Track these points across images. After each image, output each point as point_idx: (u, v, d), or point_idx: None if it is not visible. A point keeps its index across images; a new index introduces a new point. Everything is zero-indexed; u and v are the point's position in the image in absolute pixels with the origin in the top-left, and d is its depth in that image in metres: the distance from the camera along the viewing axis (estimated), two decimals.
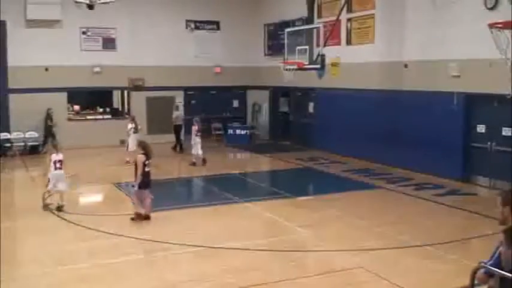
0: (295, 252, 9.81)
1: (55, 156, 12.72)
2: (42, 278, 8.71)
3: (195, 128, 18.92)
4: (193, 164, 18.55)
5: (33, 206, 12.82)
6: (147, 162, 11.73)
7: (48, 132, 21.54)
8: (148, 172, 11.79)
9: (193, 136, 18.87)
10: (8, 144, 21.04)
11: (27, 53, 21.56)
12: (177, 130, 22.23)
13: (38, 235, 11.09)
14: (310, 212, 12.58)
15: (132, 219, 11.71)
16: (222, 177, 17.06)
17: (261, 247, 9.95)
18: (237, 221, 11.98)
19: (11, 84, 21.79)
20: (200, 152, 18.50)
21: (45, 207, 12.64)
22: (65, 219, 11.91)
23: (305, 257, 9.83)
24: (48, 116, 21.85)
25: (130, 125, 19.31)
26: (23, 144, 21.35)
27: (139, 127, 19.48)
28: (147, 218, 11.80)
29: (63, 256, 9.64)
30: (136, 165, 11.78)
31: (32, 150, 21.30)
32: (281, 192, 14.44)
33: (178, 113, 22.76)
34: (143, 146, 12.06)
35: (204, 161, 18.51)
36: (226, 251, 9.73)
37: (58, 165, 12.63)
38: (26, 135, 21.50)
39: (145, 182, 11.78)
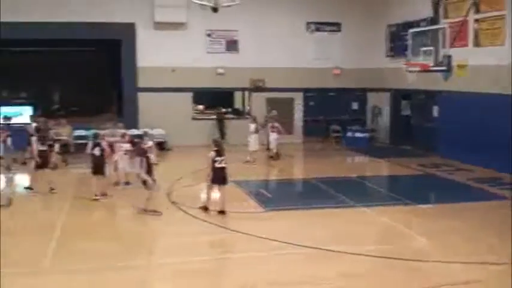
0: (414, 262, 9.40)
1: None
2: (159, 268, 9.15)
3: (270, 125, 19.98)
4: (271, 157, 19.74)
5: (160, 200, 13.35)
6: (217, 158, 12.06)
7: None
8: (219, 168, 12.12)
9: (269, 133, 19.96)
10: (136, 140, 22.12)
11: (155, 54, 22.70)
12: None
13: (159, 227, 11.62)
14: (430, 220, 12.05)
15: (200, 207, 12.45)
16: (338, 180, 16.84)
17: (376, 253, 9.69)
18: (352, 225, 11.77)
19: (140, 84, 23.02)
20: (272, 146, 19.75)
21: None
22: (190, 214, 12.36)
23: (424, 267, 9.37)
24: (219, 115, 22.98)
25: (253, 125, 19.71)
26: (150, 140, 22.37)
27: (259, 127, 19.80)
28: (221, 212, 12.17)
29: (181, 248, 10.00)
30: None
31: (158, 147, 22.26)
32: (400, 199, 13.95)
33: (274, 113, 22.88)
34: (216, 144, 12.63)
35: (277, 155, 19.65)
36: (340, 255, 9.59)
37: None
38: (153, 132, 22.49)
39: (217, 178, 12.14)
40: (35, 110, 22.81)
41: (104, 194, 13.76)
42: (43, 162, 14.40)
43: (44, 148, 14.61)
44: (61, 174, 16.60)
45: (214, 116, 24.05)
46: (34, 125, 17.36)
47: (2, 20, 20.48)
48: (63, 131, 20.88)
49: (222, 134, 22.73)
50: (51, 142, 16.14)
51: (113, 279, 8.61)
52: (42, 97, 24.55)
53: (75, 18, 21.45)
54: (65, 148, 20.70)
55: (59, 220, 11.80)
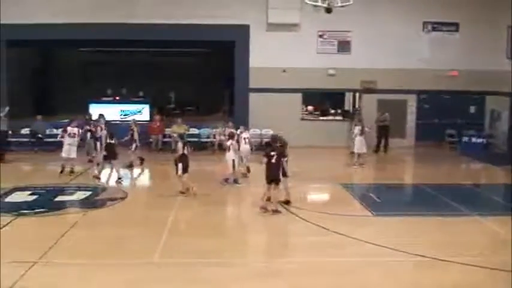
0: None
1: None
2: (263, 265, 9.29)
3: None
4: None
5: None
6: (272, 153, 12.50)
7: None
8: (271, 164, 12.45)
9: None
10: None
11: (267, 55, 23.00)
12: (382, 132, 21.91)
13: (263, 225, 11.80)
14: None
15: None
16: (451, 187, 16.14)
17: (487, 264, 9.19)
18: (462, 233, 11.27)
19: (252, 84, 23.43)
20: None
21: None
22: (293, 214, 12.42)
23: None
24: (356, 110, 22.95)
25: (357, 128, 19.46)
26: (259, 140, 22.76)
27: (366, 129, 19.47)
28: (287, 202, 12.98)
29: (284, 248, 10.09)
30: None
31: (266, 147, 22.52)
32: None
33: (387, 115, 22.38)
34: (273, 140, 13.32)
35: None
36: (450, 265, 9.21)
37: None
38: (262, 132, 22.87)
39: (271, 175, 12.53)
40: (151, 108, 23.96)
41: (185, 191, 14.08)
42: (109, 154, 15.96)
43: (112, 141, 16.11)
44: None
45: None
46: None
47: (121, 22, 21.88)
48: (179, 130, 21.82)
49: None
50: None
51: (215, 275, 8.84)
52: (158, 96, 25.65)
53: (192, 21, 22.25)
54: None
55: (171, 215, 12.30)
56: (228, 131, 17.43)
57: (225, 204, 13.99)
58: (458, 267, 9.15)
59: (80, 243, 10.38)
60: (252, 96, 23.44)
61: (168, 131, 22.28)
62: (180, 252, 9.87)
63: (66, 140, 16.87)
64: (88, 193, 14.47)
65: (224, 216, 13.25)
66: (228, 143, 15.65)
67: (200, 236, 10.88)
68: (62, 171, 16.72)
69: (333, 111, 25.54)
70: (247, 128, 18.09)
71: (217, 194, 14.49)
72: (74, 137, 16.99)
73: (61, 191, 14.77)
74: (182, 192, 14.03)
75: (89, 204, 13.47)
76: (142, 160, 18.64)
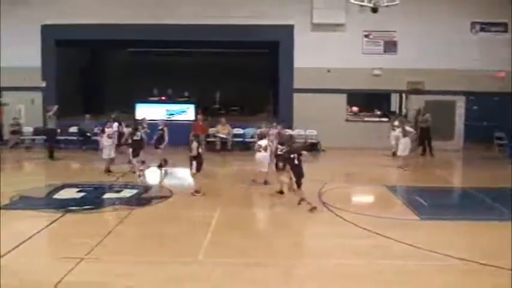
0: None
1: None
2: (308, 267, 9.20)
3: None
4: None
5: (311, 199, 13.45)
6: (292, 156, 12.78)
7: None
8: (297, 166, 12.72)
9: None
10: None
11: (311, 55, 22.91)
12: (424, 133, 21.57)
13: (307, 226, 11.74)
14: None
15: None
16: (499, 191, 15.52)
17: None
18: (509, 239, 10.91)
19: (296, 84, 23.36)
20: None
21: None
22: (338, 216, 12.33)
23: None
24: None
25: (399, 129, 19.19)
26: (303, 140, 22.69)
27: (409, 129, 19.13)
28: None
29: (329, 250, 10.01)
30: None
31: (310, 147, 22.47)
32: None
33: (428, 116, 21.99)
34: (286, 140, 13.91)
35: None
36: (498, 271, 8.96)
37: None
38: (306, 133, 22.80)
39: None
40: (196, 108, 24.17)
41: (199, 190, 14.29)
42: (135, 149, 16.66)
43: (138, 138, 16.81)
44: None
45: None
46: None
47: (167, 23, 22.27)
48: (223, 130, 21.98)
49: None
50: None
51: (260, 276, 8.83)
52: (203, 96, 25.85)
53: (236, 21, 22.37)
54: (224, 146, 21.81)
55: (215, 214, 12.37)
56: (272, 131, 17.44)
57: (268, 205, 13.93)
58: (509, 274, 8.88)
59: (125, 241, 10.55)
60: (297, 97, 23.37)
61: (212, 130, 22.42)
62: (224, 251, 9.91)
63: (105, 141, 17.26)
64: (134, 191, 14.71)
65: (267, 216, 13.26)
66: (263, 143, 15.54)
67: (244, 236, 10.90)
68: (107, 170, 17.03)
69: (378, 112, 25.21)
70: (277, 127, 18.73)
71: (258, 195, 14.48)
72: (111, 137, 17.42)
73: (108, 188, 15.07)
74: (197, 192, 14.23)
75: (135, 202, 13.67)
76: (165, 162, 18.29)
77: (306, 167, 13.01)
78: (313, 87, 23.09)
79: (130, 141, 17.04)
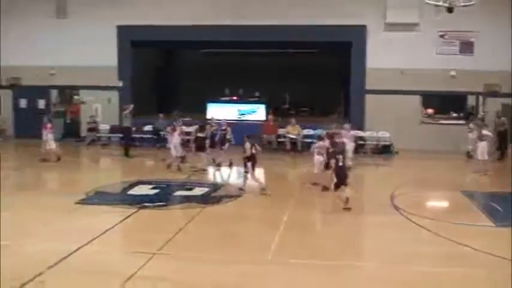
0: None
1: None
2: (384, 272, 9.01)
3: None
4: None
5: (383, 203, 13.35)
6: (338, 156, 12.73)
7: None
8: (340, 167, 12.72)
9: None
10: (362, 142, 22.22)
11: (384, 55, 22.48)
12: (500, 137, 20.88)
13: (379, 230, 11.55)
14: None
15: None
16: None
17: None
18: None
19: (368, 85, 23.02)
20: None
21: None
22: (413, 222, 12.02)
23: None
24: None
25: (476, 132, 18.55)
26: (375, 143, 22.37)
27: (486, 133, 18.41)
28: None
29: (404, 256, 9.78)
30: None
31: (383, 150, 22.10)
32: None
33: (504, 119, 21.19)
34: (330, 136, 13.96)
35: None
36: None
37: None
38: (379, 134, 22.43)
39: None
40: (267, 108, 24.26)
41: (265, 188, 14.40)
42: (199, 146, 17.41)
43: (203, 135, 17.44)
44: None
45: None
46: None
47: (240, 24, 22.54)
48: (293, 130, 21.96)
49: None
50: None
51: (331, 277, 8.76)
52: (274, 97, 25.90)
53: (308, 22, 22.30)
54: (294, 146, 21.79)
55: (285, 214, 12.35)
56: (345, 133, 17.10)
57: (337, 207, 13.74)
58: None
59: (196, 238, 10.72)
60: (368, 98, 23.03)
61: (282, 131, 22.43)
62: (294, 252, 9.86)
63: (175, 140, 17.58)
64: (206, 189, 14.93)
65: (336, 218, 13.03)
66: (318, 145, 15.26)
67: (316, 237, 10.85)
68: (179, 168, 17.38)
69: (454, 114, 24.41)
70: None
71: (326, 197, 14.33)
72: (180, 136, 17.88)
73: (181, 186, 15.36)
74: (263, 189, 14.36)
75: (206, 199, 13.86)
76: (231, 163, 18.22)
77: (377, 170, 12.80)
78: (386, 89, 22.66)
79: (194, 137, 17.91)
